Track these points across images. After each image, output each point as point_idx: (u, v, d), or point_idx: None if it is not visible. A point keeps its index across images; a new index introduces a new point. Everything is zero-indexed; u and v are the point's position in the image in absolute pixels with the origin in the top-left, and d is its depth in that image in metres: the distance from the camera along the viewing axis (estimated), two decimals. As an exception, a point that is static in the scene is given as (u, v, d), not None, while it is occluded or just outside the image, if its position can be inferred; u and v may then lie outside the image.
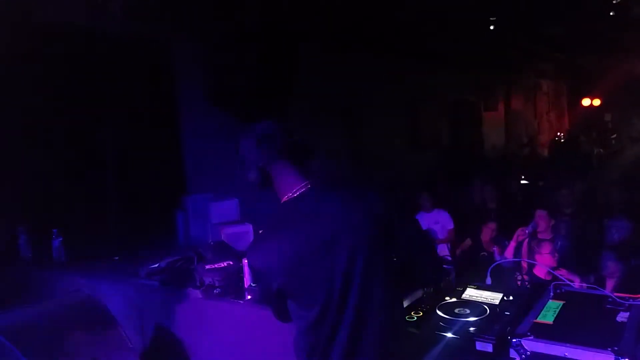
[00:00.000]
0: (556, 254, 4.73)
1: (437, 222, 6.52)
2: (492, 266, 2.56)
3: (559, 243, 5.12)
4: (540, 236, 5.18)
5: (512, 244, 5.12)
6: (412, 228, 1.93)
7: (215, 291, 2.79)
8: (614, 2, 7.97)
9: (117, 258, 3.72)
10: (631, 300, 2.10)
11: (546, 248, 4.61)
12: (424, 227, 6.42)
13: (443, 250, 6.26)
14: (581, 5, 8.01)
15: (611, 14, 8.39)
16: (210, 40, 5.20)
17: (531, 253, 4.82)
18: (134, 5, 4.21)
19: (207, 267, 2.91)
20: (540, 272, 4.63)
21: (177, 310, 2.95)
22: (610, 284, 4.38)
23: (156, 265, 3.17)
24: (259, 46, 5.13)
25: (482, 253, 5.84)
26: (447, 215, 6.57)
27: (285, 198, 1.85)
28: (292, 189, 1.84)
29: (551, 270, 2.51)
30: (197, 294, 2.86)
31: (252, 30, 5.05)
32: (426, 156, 9.75)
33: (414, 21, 7.12)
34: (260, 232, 1.97)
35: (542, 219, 5.19)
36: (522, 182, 9.03)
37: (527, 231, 5.06)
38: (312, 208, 1.79)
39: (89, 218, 4.19)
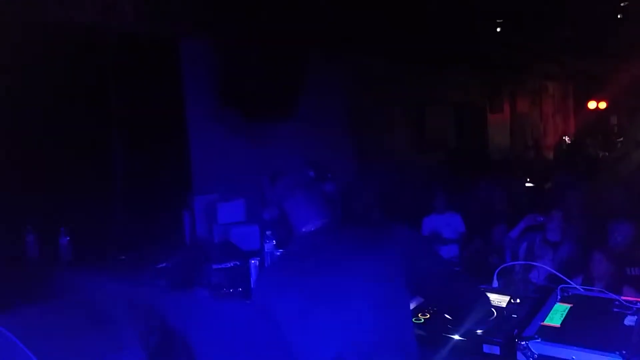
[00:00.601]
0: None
1: (448, 224, 6.52)
2: (499, 269, 2.56)
3: (567, 247, 5.11)
4: (548, 236, 5.17)
5: (521, 225, 5.12)
6: (436, 266, 1.82)
7: (222, 290, 2.80)
8: (622, 4, 7.96)
9: (124, 257, 3.74)
10: (638, 303, 2.10)
11: (550, 254, 4.58)
12: (435, 229, 6.46)
13: (453, 251, 6.25)
14: (588, 7, 7.99)
15: (619, 16, 8.37)
16: (219, 40, 5.22)
17: (532, 257, 4.82)
18: (144, 4, 4.24)
19: (214, 266, 2.93)
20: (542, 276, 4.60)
21: (185, 310, 2.96)
22: (599, 285, 4.37)
23: (163, 265, 3.20)
24: (268, 47, 5.15)
25: (490, 256, 5.84)
26: (459, 217, 6.57)
27: (300, 233, 1.76)
28: (306, 224, 1.75)
29: (557, 274, 2.52)
30: (204, 293, 2.88)
31: (261, 32, 5.07)
32: (432, 158, 9.74)
33: (420, 23, 7.11)
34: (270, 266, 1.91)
35: (556, 220, 5.18)
36: (527, 184, 9.02)
37: (538, 219, 5.06)
38: (325, 247, 1.70)
39: (96, 217, 4.22)
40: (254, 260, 2.86)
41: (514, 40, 9.28)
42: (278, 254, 1.84)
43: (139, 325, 3.04)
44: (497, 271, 2.52)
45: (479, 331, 2.03)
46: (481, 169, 9.39)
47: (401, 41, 7.80)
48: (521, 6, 7.48)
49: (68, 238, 3.80)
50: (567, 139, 16.07)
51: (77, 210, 4.08)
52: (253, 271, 2.84)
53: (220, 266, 2.91)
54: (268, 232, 3.19)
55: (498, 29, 8.52)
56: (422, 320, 2.17)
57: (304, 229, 1.75)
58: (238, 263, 3.06)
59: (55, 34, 3.98)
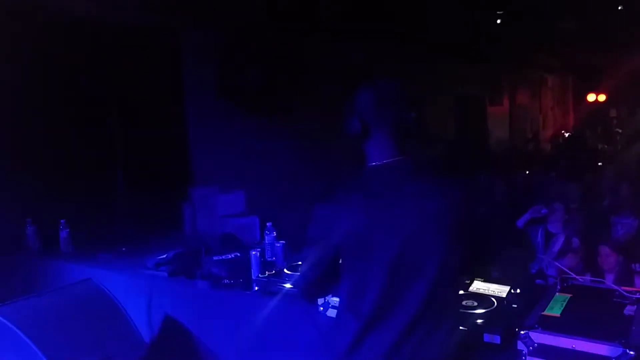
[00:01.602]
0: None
1: None
2: (499, 258, 2.57)
3: (574, 240, 5.12)
4: (549, 227, 5.19)
5: (527, 215, 5.14)
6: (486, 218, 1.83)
7: (222, 282, 2.81)
8: (621, -4, 7.94)
9: (124, 249, 3.74)
10: (638, 294, 2.11)
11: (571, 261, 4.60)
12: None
13: None
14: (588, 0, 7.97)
15: (619, 8, 8.35)
16: (220, 33, 5.21)
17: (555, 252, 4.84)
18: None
19: (215, 258, 2.93)
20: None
21: (185, 301, 2.97)
22: (609, 278, 4.39)
23: (164, 256, 3.20)
24: (268, 40, 5.14)
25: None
26: None
27: (373, 163, 1.80)
28: (383, 157, 1.78)
29: (558, 264, 2.54)
30: (204, 284, 2.88)
31: (261, 24, 5.06)
32: (432, 150, 9.73)
33: (420, 15, 7.09)
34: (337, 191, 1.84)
35: (558, 211, 5.20)
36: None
37: (542, 211, 5.08)
38: (394, 182, 1.74)
39: (97, 209, 4.22)
40: (254, 251, 2.87)
41: (513, 33, 9.25)
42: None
43: (140, 317, 3.05)
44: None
45: (479, 321, 2.05)
46: (481, 161, 9.40)
47: (402, 34, 7.78)
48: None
49: (68, 230, 3.80)
50: (565, 132, 16.06)
51: (78, 202, 4.08)
52: (254, 262, 2.84)
53: (220, 257, 2.92)
54: (269, 224, 3.20)
55: (498, 21, 8.50)
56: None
57: (378, 161, 1.79)
58: (238, 254, 3.07)
59: (55, 25, 3.97)
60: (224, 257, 2.93)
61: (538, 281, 2.47)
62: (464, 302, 2.20)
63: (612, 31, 10.11)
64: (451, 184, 1.76)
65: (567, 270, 2.41)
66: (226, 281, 2.79)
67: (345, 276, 1.78)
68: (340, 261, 1.78)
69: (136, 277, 3.23)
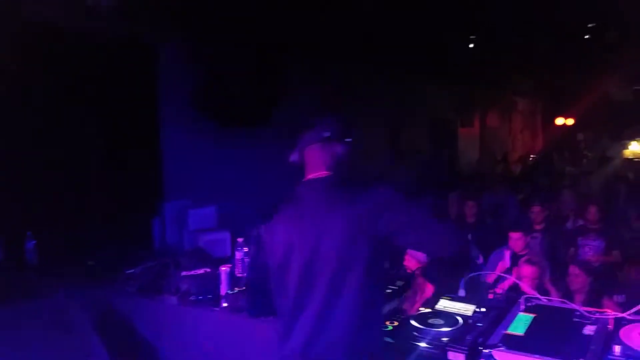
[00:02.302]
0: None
1: None
2: (465, 278, 2.62)
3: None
4: (517, 251, 5.28)
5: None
6: (404, 216, 1.92)
7: (191, 298, 2.79)
8: (589, 26, 8.23)
9: (91, 263, 3.68)
10: (597, 314, 2.17)
11: (527, 271, 4.65)
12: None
13: (419, 255, 6.28)
14: (557, 27, 8.23)
15: (586, 37, 8.65)
16: (197, 45, 5.21)
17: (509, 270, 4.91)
18: (122, 6, 4.19)
19: (184, 273, 2.91)
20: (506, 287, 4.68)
21: (153, 317, 2.94)
22: (578, 298, 4.48)
23: (132, 271, 3.17)
24: (247, 55, 5.16)
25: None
26: None
27: (303, 180, 2.04)
28: (310, 173, 2.03)
29: (521, 284, 2.60)
30: (172, 300, 2.86)
31: (238, 39, 5.08)
32: (406, 170, 9.86)
33: (395, 38, 7.23)
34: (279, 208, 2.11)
35: (516, 241, 5.27)
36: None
37: (506, 256, 5.18)
38: (313, 198, 1.98)
39: (64, 222, 4.15)
40: (224, 267, 2.86)
41: (485, 57, 9.48)
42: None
43: (107, 332, 3.00)
44: (463, 280, 2.58)
45: (444, 339, 2.08)
46: (452, 182, 9.54)
47: (378, 56, 7.91)
48: (492, 24, 7.66)
49: (34, 242, 3.73)
50: (529, 155, 16.39)
51: (45, 215, 4.01)
52: (223, 278, 2.84)
53: (189, 273, 2.90)
54: (240, 240, 3.19)
55: (471, 45, 8.71)
56: (391, 327, 2.20)
57: (307, 177, 2.03)
58: (208, 270, 3.05)
59: (30, 35, 3.92)
60: (193, 272, 2.91)
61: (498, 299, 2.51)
62: (429, 320, 2.24)
63: (580, 58, 10.45)
64: (363, 195, 1.91)
65: (529, 290, 2.47)
66: (194, 297, 2.77)
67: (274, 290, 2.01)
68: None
69: (103, 292, 3.18)
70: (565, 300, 2.42)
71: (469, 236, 6.67)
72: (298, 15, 5.50)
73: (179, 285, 2.85)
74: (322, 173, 2.01)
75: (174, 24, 4.97)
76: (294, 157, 2.08)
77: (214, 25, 5.05)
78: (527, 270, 4.50)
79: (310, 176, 2.02)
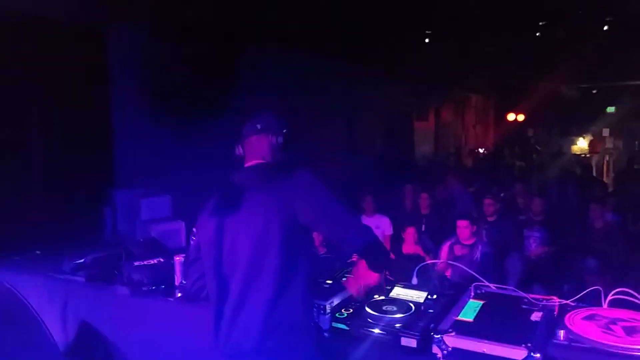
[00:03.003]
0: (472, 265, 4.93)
1: (377, 227, 6.67)
2: (418, 267, 2.67)
3: (480, 248, 5.38)
4: (463, 241, 5.44)
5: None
6: (317, 204, 2.03)
7: (143, 288, 2.73)
8: (540, 24, 8.47)
9: (39, 252, 3.55)
10: (544, 301, 2.25)
11: (466, 257, 4.80)
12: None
13: None
14: (510, 25, 8.44)
15: (537, 34, 8.91)
16: (149, 32, 5.08)
17: (452, 258, 5.05)
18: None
19: (136, 263, 2.85)
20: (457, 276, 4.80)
21: (103, 307, 2.87)
22: (511, 283, 4.66)
23: (81, 260, 3.08)
24: (198, 43, 5.08)
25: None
26: (388, 220, 6.72)
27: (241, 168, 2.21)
28: (247, 162, 2.21)
29: (473, 273, 2.67)
30: (124, 290, 2.79)
31: (194, 26, 4.99)
32: (361, 163, 9.94)
33: (352, 32, 7.26)
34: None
35: (463, 230, 5.43)
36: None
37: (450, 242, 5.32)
38: (242, 184, 2.13)
39: (11, 209, 3.98)
40: (178, 257, 2.81)
41: (440, 53, 9.64)
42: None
43: (55, 323, 2.91)
44: (416, 269, 2.63)
45: (397, 325, 2.12)
46: (407, 174, 9.67)
47: (334, 50, 7.93)
48: (447, 20, 7.79)
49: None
50: (483, 149, 16.80)
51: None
52: (177, 268, 2.79)
53: (142, 263, 2.84)
54: (195, 230, 3.14)
55: (427, 40, 8.84)
56: (345, 314, 2.23)
57: (244, 165, 2.21)
58: (162, 260, 3.00)
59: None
60: (145, 262, 2.85)
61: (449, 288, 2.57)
62: (383, 307, 2.27)
63: (531, 55, 10.76)
64: (282, 181, 2.05)
65: (479, 278, 2.53)
66: (147, 287, 2.72)
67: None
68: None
69: (51, 282, 3.08)
70: (512, 288, 2.49)
71: (423, 227, 6.82)
72: (254, 6, 5.46)
73: (131, 275, 2.78)
74: (256, 161, 2.19)
75: (126, 7, 4.83)
76: (238, 150, 2.26)
77: (169, 10, 4.94)
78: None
79: (247, 164, 2.21)
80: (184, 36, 5.07)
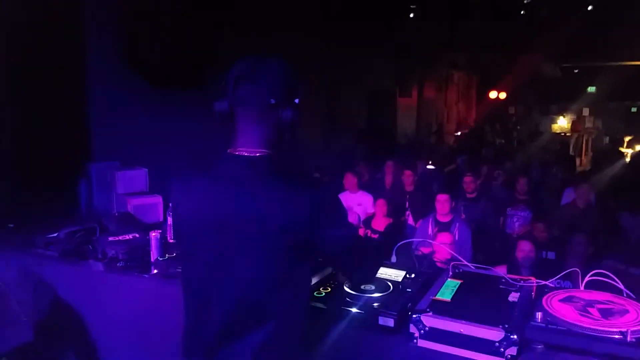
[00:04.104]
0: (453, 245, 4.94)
1: (360, 203, 6.66)
2: (397, 245, 2.66)
3: (458, 226, 5.41)
4: (440, 218, 5.47)
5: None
6: (333, 233, 1.68)
7: (118, 264, 2.68)
8: (525, 2, 8.44)
9: (12, 225, 3.46)
10: (522, 282, 2.25)
11: (446, 238, 4.80)
12: (347, 207, 6.58)
13: (356, 222, 6.38)
14: (495, 2, 8.39)
15: (522, 12, 8.88)
16: (126, 3, 4.93)
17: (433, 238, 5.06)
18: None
19: (111, 239, 2.79)
20: (438, 256, 4.81)
21: (77, 283, 2.81)
22: (524, 273, 4.65)
23: (55, 235, 3.01)
24: (177, 14, 4.94)
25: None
26: (371, 198, 6.71)
27: (230, 151, 1.67)
28: (241, 146, 1.66)
29: (453, 253, 2.68)
30: (98, 266, 2.74)
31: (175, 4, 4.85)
32: (343, 139, 9.91)
33: (333, 9, 7.15)
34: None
35: (443, 203, 5.45)
36: (429, 167, 9.40)
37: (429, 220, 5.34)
38: (237, 182, 1.62)
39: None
40: (154, 232, 2.76)
41: (424, 29, 9.57)
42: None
43: (27, 297, 2.85)
44: (395, 247, 2.61)
45: (375, 304, 2.10)
46: (390, 151, 9.68)
47: (316, 26, 7.81)
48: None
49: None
50: (466, 126, 16.89)
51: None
52: (153, 244, 2.74)
53: (117, 238, 2.78)
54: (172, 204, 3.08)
55: (411, 15, 8.75)
56: (323, 293, 2.20)
57: (237, 150, 1.66)
58: (137, 235, 2.94)
59: None
60: (120, 238, 2.79)
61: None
62: (362, 286, 2.25)
63: (514, 34, 10.74)
64: (296, 195, 1.60)
65: (457, 256, 2.53)
66: (122, 263, 2.67)
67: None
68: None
69: (24, 256, 3.01)
70: (489, 267, 2.49)
71: (407, 204, 6.82)
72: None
73: (105, 250, 2.73)
74: (257, 150, 1.64)
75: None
76: (221, 106, 1.68)
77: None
78: (443, 237, 4.69)
79: (241, 150, 1.64)
80: (161, 8, 4.92)
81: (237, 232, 1.59)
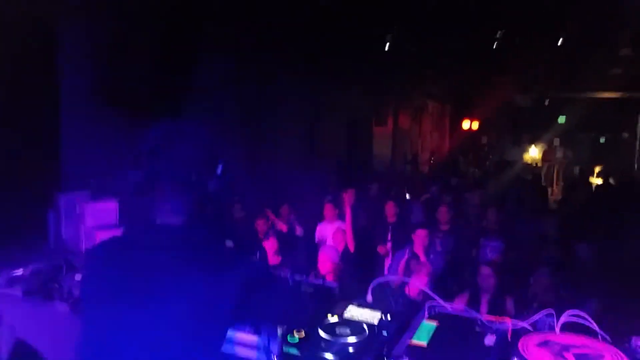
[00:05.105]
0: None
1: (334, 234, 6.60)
2: (373, 284, 2.61)
3: (431, 257, 5.40)
4: (417, 251, 5.45)
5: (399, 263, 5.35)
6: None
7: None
8: (497, 36, 8.67)
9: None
10: (497, 323, 2.23)
11: (424, 270, 4.80)
12: (325, 237, 6.51)
13: (333, 256, 6.25)
14: (467, 35, 8.59)
15: (494, 46, 9.12)
16: (102, 29, 4.89)
17: (408, 272, 5.03)
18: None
19: (78, 276, 2.70)
20: (413, 292, 4.78)
21: (41, 325, 2.70)
22: (485, 298, 4.68)
23: (19, 272, 2.90)
24: (152, 44, 4.92)
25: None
26: (349, 228, 6.63)
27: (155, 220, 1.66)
28: (162, 214, 1.64)
29: (426, 290, 2.64)
30: (64, 307, 2.63)
31: (147, 30, 4.83)
32: (322, 169, 9.90)
33: (311, 40, 7.23)
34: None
35: (423, 238, 5.44)
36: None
37: (405, 253, 5.32)
38: (155, 254, 1.61)
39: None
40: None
41: (400, 60, 9.73)
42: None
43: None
44: (371, 286, 2.57)
45: (350, 349, 2.05)
46: (368, 181, 9.69)
47: (294, 56, 7.87)
48: (407, 28, 7.87)
49: None
50: (440, 156, 17.08)
51: None
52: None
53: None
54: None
55: (386, 47, 8.90)
56: (297, 338, 2.15)
57: (159, 219, 1.64)
58: (106, 272, 2.84)
59: None
60: (88, 276, 2.69)
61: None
62: (337, 330, 2.20)
63: (487, 65, 11.01)
64: (207, 266, 1.59)
65: (433, 296, 2.50)
66: (89, 303, 2.56)
67: None
68: None
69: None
70: (466, 309, 2.46)
71: (389, 235, 6.76)
72: (212, 10, 5.34)
73: (71, 290, 2.63)
74: (177, 219, 1.62)
75: (75, 3, 4.62)
76: (136, 177, 1.67)
77: (118, 12, 4.77)
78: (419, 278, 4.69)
79: (163, 219, 1.63)
80: (132, 37, 4.90)
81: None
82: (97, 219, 3.83)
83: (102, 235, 3.63)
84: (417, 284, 4.19)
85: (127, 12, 4.92)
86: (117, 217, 3.94)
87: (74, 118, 4.95)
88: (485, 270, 4.81)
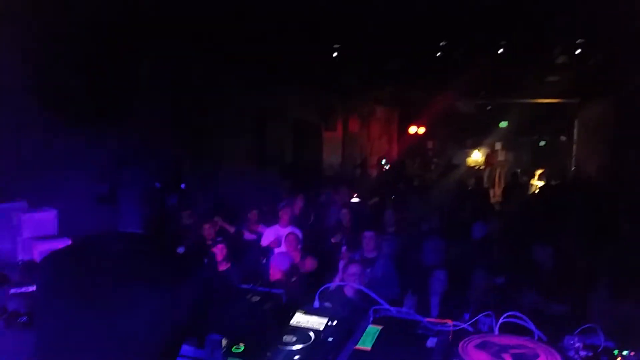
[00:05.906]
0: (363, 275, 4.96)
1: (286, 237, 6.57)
2: (320, 289, 2.62)
3: (379, 260, 5.47)
4: (367, 254, 5.51)
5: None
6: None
7: (20, 320, 2.48)
8: (440, 44, 8.92)
9: None
10: (439, 325, 2.28)
11: (353, 269, 4.82)
12: (273, 241, 6.45)
13: (284, 263, 6.21)
14: (413, 43, 8.78)
15: (438, 54, 9.36)
16: (35, 31, 4.70)
17: (356, 276, 5.06)
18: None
19: (12, 291, 2.59)
20: (360, 296, 4.79)
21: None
22: (434, 300, 4.77)
23: (-52, 287, 2.75)
24: (93, 43, 4.77)
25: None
26: (299, 232, 6.63)
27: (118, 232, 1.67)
28: (124, 225, 1.66)
29: (363, 289, 2.66)
30: (-2, 322, 2.52)
31: (87, 28, 4.68)
32: (270, 173, 9.87)
33: (260, 44, 7.21)
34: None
35: (369, 240, 5.51)
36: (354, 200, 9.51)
37: (355, 257, 5.35)
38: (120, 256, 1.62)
39: None
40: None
41: (348, 65, 9.84)
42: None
43: None
44: (318, 292, 2.57)
45: (296, 357, 2.05)
46: (316, 185, 9.73)
47: (242, 59, 7.82)
48: (355, 36, 7.97)
49: None
50: (386, 160, 17.32)
51: None
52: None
53: (19, 290, 2.58)
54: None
55: (335, 54, 8.99)
56: (242, 347, 2.13)
57: (125, 229, 1.65)
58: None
59: None
60: (24, 289, 2.59)
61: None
62: (284, 338, 2.20)
63: (431, 73, 11.28)
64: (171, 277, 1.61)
65: (377, 299, 2.52)
66: (24, 319, 2.47)
67: None
68: None
69: None
70: (409, 311, 2.51)
71: (343, 240, 6.78)
72: (157, 12, 5.24)
73: (5, 304, 2.52)
74: (138, 231, 1.64)
75: (9, 5, 4.44)
76: (102, 188, 1.68)
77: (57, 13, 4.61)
78: (352, 269, 4.72)
79: (117, 228, 1.65)
80: (76, 37, 4.74)
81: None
82: (34, 229, 3.68)
83: (41, 247, 3.51)
84: (364, 289, 4.22)
85: (62, 14, 4.76)
86: (56, 227, 3.80)
87: (9, 128, 4.74)
88: (436, 273, 4.87)
